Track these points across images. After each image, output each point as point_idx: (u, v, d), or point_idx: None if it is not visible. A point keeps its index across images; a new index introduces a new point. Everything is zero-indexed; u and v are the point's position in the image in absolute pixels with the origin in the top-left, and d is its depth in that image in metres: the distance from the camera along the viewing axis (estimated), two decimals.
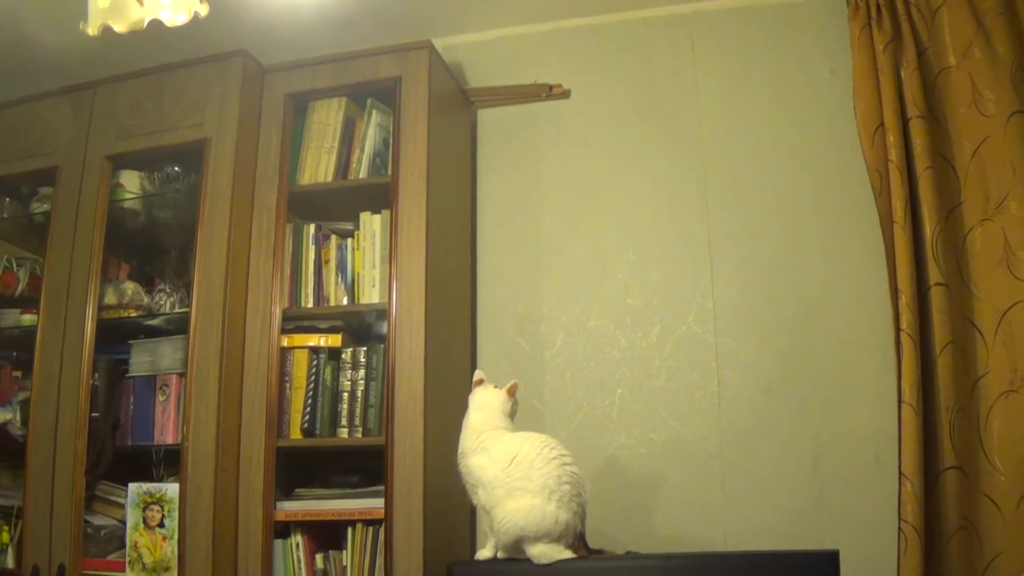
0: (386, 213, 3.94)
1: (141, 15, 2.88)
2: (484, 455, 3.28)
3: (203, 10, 3.01)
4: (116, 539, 3.91)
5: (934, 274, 3.64)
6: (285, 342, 3.95)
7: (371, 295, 3.93)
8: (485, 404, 3.43)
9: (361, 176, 4.08)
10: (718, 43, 4.37)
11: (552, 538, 3.10)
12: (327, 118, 4.16)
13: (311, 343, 3.96)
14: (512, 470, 3.17)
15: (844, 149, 4.00)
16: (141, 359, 4.11)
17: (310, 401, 3.88)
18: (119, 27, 2.89)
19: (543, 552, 3.09)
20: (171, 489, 3.79)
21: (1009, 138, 3.70)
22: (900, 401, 3.55)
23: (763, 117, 4.23)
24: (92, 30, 2.91)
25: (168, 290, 4.18)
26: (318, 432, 3.86)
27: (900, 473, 3.50)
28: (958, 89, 3.83)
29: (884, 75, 3.85)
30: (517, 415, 3.49)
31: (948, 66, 3.87)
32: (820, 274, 4.01)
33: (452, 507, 3.88)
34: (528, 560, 3.12)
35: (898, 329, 3.62)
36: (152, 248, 4.52)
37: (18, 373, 4.40)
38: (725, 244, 4.13)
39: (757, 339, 4.02)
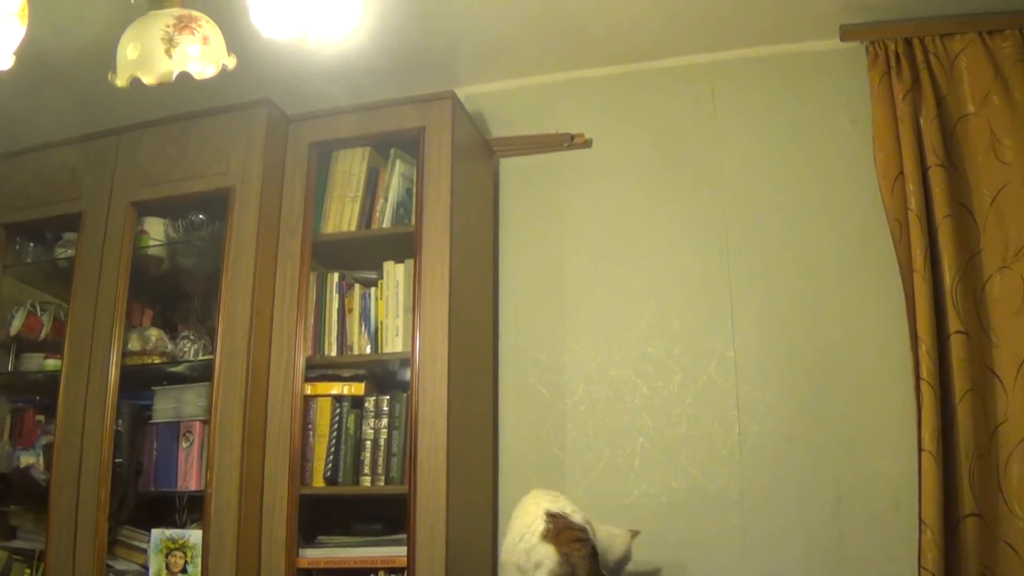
0: (409, 262, 3.96)
1: (170, 68, 2.90)
2: None
3: (231, 63, 3.03)
4: None
5: (954, 322, 3.65)
6: (308, 390, 3.96)
7: (394, 344, 3.94)
8: None
9: (384, 225, 4.10)
10: (738, 93, 4.39)
11: None
12: (351, 167, 4.19)
13: (334, 391, 3.97)
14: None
15: (864, 197, 4.02)
16: (164, 405, 4.12)
17: (333, 449, 3.88)
18: (148, 79, 2.91)
19: None
20: (194, 535, 3.80)
21: None
22: (920, 449, 3.56)
23: (784, 166, 4.24)
24: (121, 82, 2.94)
25: (192, 337, 4.19)
26: (341, 480, 3.86)
27: (920, 520, 3.51)
28: (977, 137, 3.86)
29: (904, 123, 3.87)
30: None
31: (967, 114, 3.90)
32: (840, 323, 4.01)
33: (474, 556, 3.89)
34: None
35: (918, 377, 3.63)
36: (176, 295, 4.53)
37: (41, 417, 4.40)
38: (746, 293, 4.14)
39: (778, 387, 4.02)
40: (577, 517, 3.21)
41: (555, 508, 3.22)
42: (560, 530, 3.15)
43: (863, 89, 4.06)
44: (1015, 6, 3.91)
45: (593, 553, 3.14)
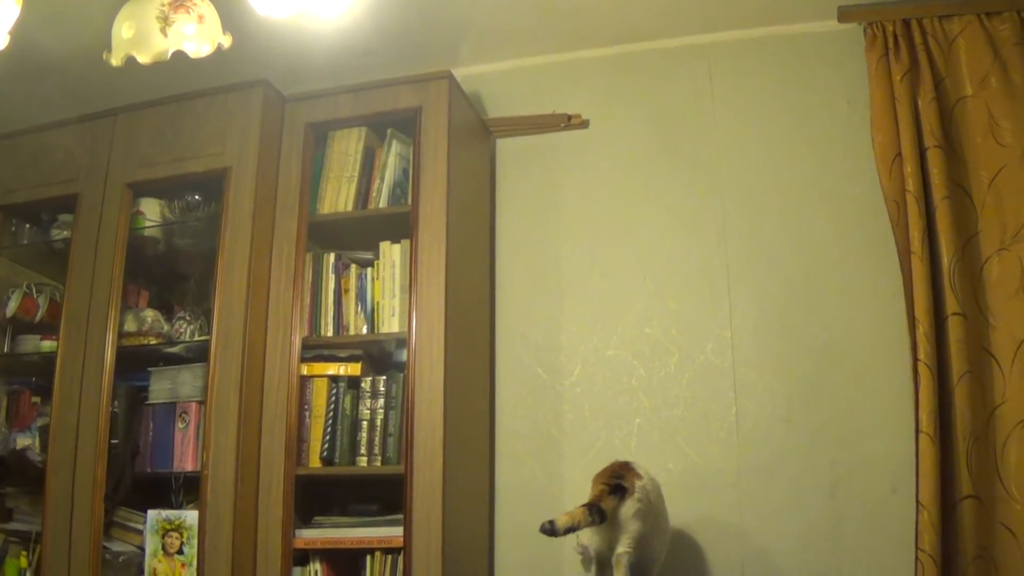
0: (406, 243, 3.95)
1: (165, 46, 2.90)
2: None
3: (226, 41, 3.03)
4: (134, 566, 3.90)
5: (951, 304, 3.64)
6: (305, 370, 3.95)
7: (391, 324, 3.93)
8: None
9: (381, 206, 4.09)
10: (736, 74, 4.39)
11: None
12: (347, 148, 4.17)
13: (331, 372, 3.96)
14: None
15: (862, 179, 4.01)
16: (161, 386, 4.12)
17: (329, 429, 3.88)
18: (143, 58, 2.91)
19: None
20: (190, 516, 3.80)
21: None
22: (917, 431, 3.56)
23: (781, 147, 4.24)
24: (116, 61, 2.94)
25: (188, 318, 4.18)
26: (337, 460, 3.86)
27: (917, 502, 3.50)
28: (975, 119, 3.86)
29: (901, 105, 3.86)
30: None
31: (965, 96, 3.89)
32: (838, 304, 4.01)
33: (471, 536, 3.89)
34: None
35: (915, 359, 3.63)
36: (172, 275, 4.53)
37: (37, 399, 4.40)
38: (743, 274, 4.14)
39: (775, 369, 4.02)
40: (639, 471, 3.41)
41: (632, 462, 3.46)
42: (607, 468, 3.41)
43: (861, 70, 4.05)
44: None
45: (611, 492, 3.28)
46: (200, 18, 2.95)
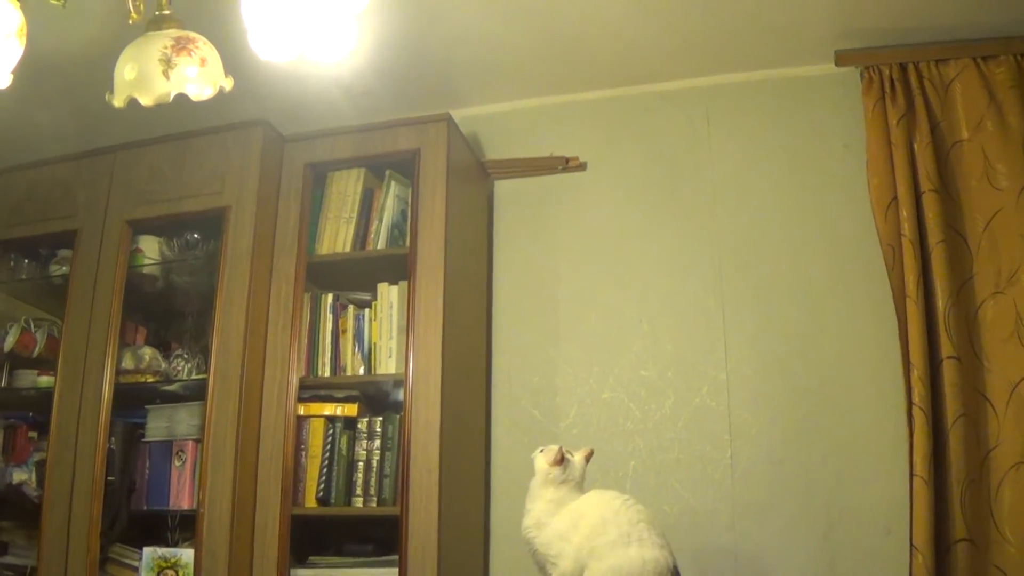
0: (403, 284, 3.96)
1: (167, 89, 2.90)
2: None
3: (228, 84, 3.04)
4: None
5: (946, 347, 3.65)
6: (301, 410, 3.96)
7: (388, 365, 3.94)
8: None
9: (379, 247, 4.10)
10: (733, 117, 4.40)
11: None
12: (346, 188, 4.19)
13: (327, 412, 3.96)
14: (589, 534, 3.13)
15: (857, 223, 4.02)
16: (158, 424, 4.13)
17: (325, 470, 3.88)
18: (145, 100, 2.91)
19: None
20: (186, 554, 3.80)
21: (1021, 211, 3.75)
22: (912, 473, 3.56)
23: (777, 191, 4.25)
24: (118, 102, 2.94)
25: (186, 356, 4.19)
26: (333, 501, 3.86)
27: (911, 545, 3.50)
28: (971, 162, 3.87)
29: (898, 149, 3.87)
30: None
31: (961, 139, 3.90)
32: (833, 347, 4.01)
33: None
34: None
35: (910, 402, 3.63)
36: (170, 313, 4.54)
37: (34, 434, 4.41)
38: (739, 317, 4.15)
39: (770, 411, 4.02)
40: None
41: None
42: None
43: (857, 114, 4.06)
44: (1009, 32, 3.93)
45: None
46: (203, 61, 2.96)
